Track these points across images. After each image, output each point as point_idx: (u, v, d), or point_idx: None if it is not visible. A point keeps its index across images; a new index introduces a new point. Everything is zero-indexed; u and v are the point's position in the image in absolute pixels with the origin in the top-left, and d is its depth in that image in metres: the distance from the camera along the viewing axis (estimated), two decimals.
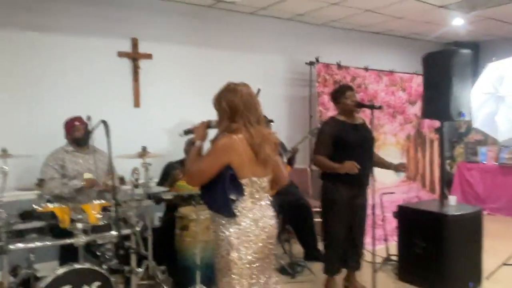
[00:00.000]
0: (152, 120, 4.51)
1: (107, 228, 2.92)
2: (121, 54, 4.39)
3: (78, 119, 3.61)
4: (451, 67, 3.42)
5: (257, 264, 2.11)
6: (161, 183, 3.78)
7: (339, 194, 3.33)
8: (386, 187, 5.12)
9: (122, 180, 2.96)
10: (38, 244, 2.70)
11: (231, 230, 2.06)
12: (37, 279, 3.05)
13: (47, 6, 3.99)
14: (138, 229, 3.01)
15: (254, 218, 2.08)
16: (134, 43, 4.45)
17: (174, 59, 4.69)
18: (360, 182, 3.36)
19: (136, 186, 3.02)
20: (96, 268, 2.82)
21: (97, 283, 2.78)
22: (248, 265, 2.07)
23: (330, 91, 3.70)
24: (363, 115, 3.69)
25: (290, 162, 4.25)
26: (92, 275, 2.79)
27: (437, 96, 3.48)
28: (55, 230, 2.87)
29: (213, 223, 2.18)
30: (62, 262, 3.31)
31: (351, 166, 3.13)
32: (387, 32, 6.20)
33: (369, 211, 3.44)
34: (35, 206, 2.76)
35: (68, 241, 2.74)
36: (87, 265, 2.79)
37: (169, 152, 4.12)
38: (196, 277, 3.24)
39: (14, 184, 2.89)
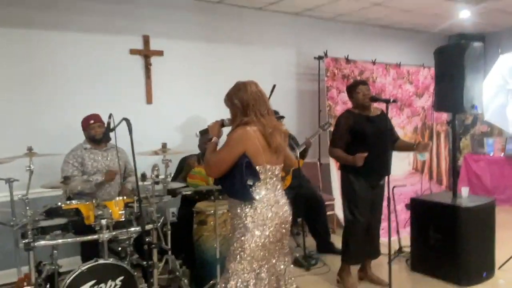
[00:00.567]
0: (164, 117, 4.55)
1: (129, 223, 2.98)
2: (133, 52, 4.42)
3: (94, 117, 3.65)
4: (464, 60, 3.45)
5: (269, 247, 2.25)
6: (175, 176, 3.83)
7: (359, 185, 3.40)
8: (395, 179, 5.18)
9: (143, 177, 3.00)
10: (63, 240, 2.76)
11: (247, 214, 2.21)
12: (61, 274, 3.12)
13: (61, 5, 4.02)
14: (159, 224, 3.06)
15: (269, 203, 2.23)
16: (146, 40, 4.48)
17: (185, 55, 4.72)
18: (378, 172, 3.41)
19: (156, 182, 3.06)
20: (120, 263, 2.88)
21: (121, 278, 2.85)
22: (261, 247, 2.21)
23: (346, 85, 3.74)
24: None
25: (303, 155, 4.29)
26: (116, 270, 2.85)
27: (450, 89, 3.52)
28: (78, 226, 2.93)
29: (230, 209, 2.33)
30: (84, 258, 3.38)
31: (357, 159, 3.23)
32: (394, 25, 6.22)
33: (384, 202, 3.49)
34: (59, 203, 2.81)
35: (92, 237, 2.80)
36: (111, 261, 2.85)
37: (183, 148, 4.16)
38: (215, 270, 3.30)
39: (36, 182, 2.92)
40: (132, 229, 2.89)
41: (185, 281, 3.35)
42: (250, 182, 2.18)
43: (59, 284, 2.99)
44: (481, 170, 6.39)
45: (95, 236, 2.79)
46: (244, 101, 2.25)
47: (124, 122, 2.64)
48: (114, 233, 2.84)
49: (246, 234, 2.20)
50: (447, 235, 3.51)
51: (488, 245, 3.59)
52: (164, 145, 3.18)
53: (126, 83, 4.38)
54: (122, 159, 3.63)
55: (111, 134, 2.80)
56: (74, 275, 2.74)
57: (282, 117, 4.45)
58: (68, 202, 2.82)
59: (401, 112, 5.99)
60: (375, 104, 3.56)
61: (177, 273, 3.37)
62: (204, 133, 2.55)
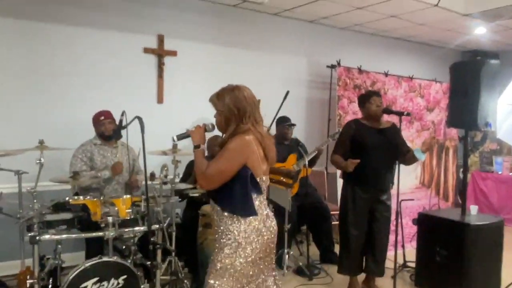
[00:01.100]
0: (174, 117, 4.54)
1: (135, 222, 2.97)
2: (147, 50, 4.43)
3: (104, 113, 3.65)
4: (480, 77, 3.42)
5: (259, 263, 2.11)
6: (184, 180, 3.81)
7: (357, 196, 3.41)
8: (401, 193, 5.14)
9: (152, 176, 3.00)
10: (69, 236, 2.75)
11: (241, 229, 2.05)
12: (63, 269, 3.11)
13: (78, 1, 4.03)
14: (165, 224, 3.04)
15: (262, 217, 2.09)
16: (160, 39, 4.49)
17: (198, 56, 4.72)
18: (378, 185, 3.41)
19: (165, 182, 3.05)
20: (124, 262, 2.86)
21: (124, 277, 2.83)
22: (251, 263, 2.07)
23: (359, 95, 3.73)
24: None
25: (311, 163, 4.28)
26: (119, 268, 2.84)
27: (464, 105, 3.49)
28: (83, 222, 2.92)
29: (219, 223, 2.12)
30: (88, 254, 3.36)
31: (348, 165, 3.27)
32: (408, 38, 6.21)
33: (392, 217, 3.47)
34: (67, 198, 2.80)
35: (98, 234, 2.79)
36: (115, 259, 2.84)
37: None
38: None
39: (44, 175, 2.91)
40: (138, 228, 2.87)
41: (187, 283, 3.33)
42: (254, 196, 2.05)
43: (61, 279, 2.99)
44: (488, 188, 6.34)
45: (101, 233, 2.78)
46: (241, 107, 2.07)
47: (135, 120, 2.66)
48: (120, 231, 2.82)
49: (238, 250, 2.04)
50: (454, 252, 3.47)
51: (495, 265, 3.54)
52: (175, 146, 3.18)
53: (138, 81, 4.39)
54: (131, 157, 3.62)
55: (123, 132, 2.81)
56: (77, 271, 2.73)
57: (294, 125, 4.45)
58: (75, 197, 2.81)
59: (411, 125, 5.96)
60: (386, 117, 3.55)
61: (180, 275, 3.35)
62: (182, 138, 2.29)
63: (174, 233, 3.32)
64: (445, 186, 6.49)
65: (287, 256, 4.02)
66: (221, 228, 2.10)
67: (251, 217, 2.05)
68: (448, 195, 6.49)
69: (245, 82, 5.20)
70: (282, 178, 4.09)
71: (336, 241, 4.65)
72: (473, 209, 3.72)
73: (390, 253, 3.69)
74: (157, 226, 3.00)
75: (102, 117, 3.62)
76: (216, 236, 2.14)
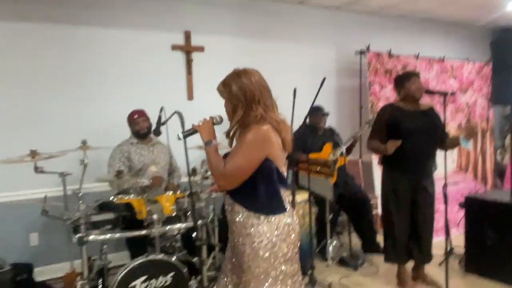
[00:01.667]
0: (205, 113, 4.43)
1: (178, 219, 2.95)
2: (174, 47, 4.41)
3: (138, 112, 3.65)
4: None
5: (296, 258, 1.98)
6: None
7: (398, 183, 3.28)
8: (439, 178, 5.00)
9: (194, 172, 2.96)
10: (117, 235, 2.74)
11: (272, 228, 1.88)
12: (109, 269, 3.11)
13: (104, 1, 4.04)
14: (208, 220, 3.02)
15: (290, 211, 1.96)
16: (187, 35, 4.46)
17: (225, 50, 4.67)
18: (419, 170, 3.29)
19: (206, 177, 3.02)
20: (170, 259, 2.85)
21: (171, 274, 2.82)
22: (290, 262, 1.93)
23: (394, 78, 3.60)
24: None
25: (348, 152, 4.19)
26: (166, 266, 2.83)
27: (508, 80, 3.35)
28: (126, 221, 2.91)
29: (242, 225, 1.92)
30: (132, 254, 3.36)
31: (388, 146, 3.14)
32: (437, 18, 6.02)
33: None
34: (111, 198, 2.79)
35: (144, 232, 2.77)
36: (161, 256, 2.82)
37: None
38: None
39: (85, 177, 2.92)
40: (184, 224, 2.85)
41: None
42: (282, 191, 1.91)
43: (108, 279, 2.99)
44: None
45: (147, 231, 2.77)
46: (248, 91, 1.89)
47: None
48: (166, 228, 2.80)
49: (274, 251, 1.88)
50: (505, 235, 3.34)
51: None
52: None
53: (168, 79, 4.38)
54: (167, 154, 3.61)
55: (162, 128, 2.78)
56: (125, 271, 2.73)
57: (327, 114, 4.37)
58: (120, 196, 2.79)
59: (445, 108, 5.79)
60: (425, 99, 3.43)
61: None
62: (189, 135, 2.11)
63: (216, 228, 3.29)
64: (483, 170, 6.30)
65: (330, 246, 3.95)
66: (248, 230, 1.90)
67: (280, 214, 1.91)
68: (487, 179, 6.29)
69: (274, 73, 5.12)
70: (319, 168, 4.03)
71: (377, 231, 4.57)
72: None
73: (435, 240, 3.58)
74: (201, 221, 2.97)
75: (136, 116, 3.62)
76: (240, 239, 1.93)
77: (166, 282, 2.80)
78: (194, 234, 2.87)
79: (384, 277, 3.65)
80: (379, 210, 4.91)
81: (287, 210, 1.93)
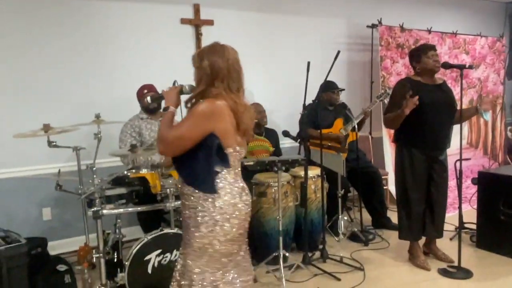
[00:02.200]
0: None
1: None
2: (184, 21, 4.33)
3: (147, 86, 3.60)
4: None
5: (240, 239, 1.95)
6: None
7: (415, 158, 3.25)
8: (449, 153, 4.98)
9: None
10: (131, 209, 2.75)
11: (216, 204, 1.84)
12: (123, 243, 3.14)
13: None
14: None
15: (238, 191, 1.90)
16: (196, 9, 4.38)
17: (235, 25, 4.60)
18: (437, 145, 3.26)
19: None
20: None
21: None
22: (231, 242, 1.89)
23: (412, 49, 3.53)
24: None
25: (359, 127, 4.15)
26: (180, 240, 2.83)
27: None
28: (140, 196, 2.91)
29: (189, 200, 1.91)
30: (144, 228, 3.39)
31: (407, 104, 3.04)
32: None
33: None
34: (126, 172, 2.79)
35: (159, 206, 2.78)
36: (176, 230, 2.83)
37: None
38: (276, 243, 3.26)
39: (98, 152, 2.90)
40: None
41: None
42: (218, 169, 1.85)
43: (124, 252, 3.02)
44: None
45: (161, 205, 2.77)
46: (215, 67, 1.85)
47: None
48: (179, 202, 2.79)
49: (215, 228, 1.85)
50: None
51: None
52: None
53: (177, 53, 4.30)
54: None
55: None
56: (140, 244, 2.75)
57: (342, 90, 4.32)
58: (134, 171, 2.79)
59: (456, 83, 5.72)
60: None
61: None
62: (156, 100, 2.19)
63: None
64: (493, 146, 6.26)
65: (342, 222, 3.96)
66: (194, 204, 1.88)
67: (224, 190, 1.86)
68: (497, 155, 6.26)
69: (283, 47, 5.09)
70: (329, 143, 4.00)
71: (388, 206, 4.58)
72: None
73: (448, 215, 3.58)
74: None
75: (146, 91, 3.58)
76: (186, 212, 1.93)
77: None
78: None
79: (395, 252, 3.67)
80: (389, 186, 4.92)
81: (217, 192, 1.85)
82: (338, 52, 3.33)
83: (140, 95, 3.62)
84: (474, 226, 3.82)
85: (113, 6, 3.98)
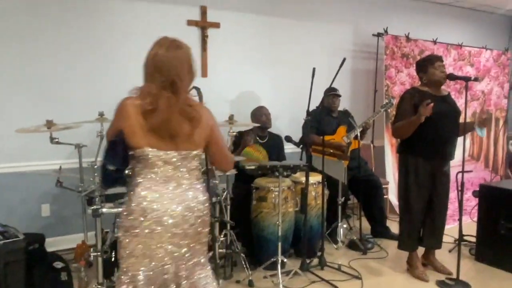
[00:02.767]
0: (219, 90, 4.46)
1: None
2: (190, 23, 4.33)
3: None
4: None
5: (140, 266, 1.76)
6: (233, 151, 3.75)
7: (420, 167, 3.24)
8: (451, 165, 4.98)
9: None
10: None
11: (124, 211, 1.77)
12: None
13: None
14: (222, 198, 3.01)
15: (146, 198, 1.74)
16: (203, 11, 4.38)
17: (241, 27, 4.60)
18: (442, 155, 3.25)
19: None
20: None
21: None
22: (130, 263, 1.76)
23: (419, 59, 3.53)
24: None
25: (361, 136, 4.15)
26: None
27: None
28: None
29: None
30: None
31: (425, 110, 3.01)
32: (457, 4, 5.90)
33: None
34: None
35: None
36: None
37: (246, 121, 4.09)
38: (275, 248, 3.25)
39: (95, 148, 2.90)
40: None
41: (244, 257, 3.30)
42: (110, 167, 1.74)
43: (121, 251, 3.00)
44: None
45: None
46: (145, 63, 1.79)
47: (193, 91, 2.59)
48: None
49: (119, 236, 1.79)
50: None
51: None
52: (231, 117, 3.11)
53: None
54: None
55: None
56: None
57: (339, 96, 4.31)
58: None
59: (460, 95, 5.72)
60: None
61: (236, 249, 3.33)
62: None
63: (229, 207, 3.29)
64: (494, 159, 6.26)
65: (341, 229, 3.95)
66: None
67: (131, 197, 1.77)
68: (498, 168, 6.26)
69: (289, 52, 5.09)
70: (332, 150, 4.00)
71: (387, 216, 4.57)
72: None
73: (447, 227, 3.57)
74: (215, 199, 2.97)
75: None
76: None
77: None
78: None
79: (393, 262, 3.66)
80: (389, 195, 4.92)
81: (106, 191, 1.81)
82: (344, 59, 3.33)
83: None
84: (473, 239, 3.80)
85: (120, 5, 3.99)
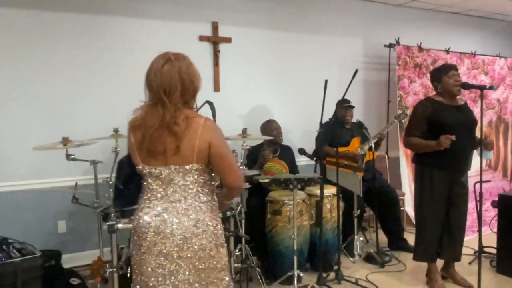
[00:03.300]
0: (232, 104, 4.49)
1: None
2: (202, 38, 4.39)
3: None
4: None
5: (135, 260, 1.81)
6: (249, 166, 3.75)
7: (436, 179, 3.19)
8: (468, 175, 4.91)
9: None
10: None
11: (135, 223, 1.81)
12: None
13: None
14: (237, 212, 3.00)
15: (143, 219, 1.76)
16: (215, 26, 4.43)
17: (252, 42, 4.64)
18: (459, 167, 3.21)
19: None
20: None
21: None
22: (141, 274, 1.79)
23: (433, 69, 3.51)
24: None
25: (375, 147, 4.12)
26: None
27: None
28: None
29: None
30: None
31: (445, 140, 3.00)
32: (468, 12, 5.87)
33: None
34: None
35: None
36: None
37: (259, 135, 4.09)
38: (290, 262, 3.22)
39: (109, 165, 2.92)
40: None
41: (259, 271, 3.28)
42: (119, 185, 1.90)
43: None
44: None
45: None
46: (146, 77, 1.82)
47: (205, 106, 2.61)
48: None
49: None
50: None
51: None
52: (244, 131, 3.12)
53: None
54: None
55: None
56: None
57: (352, 107, 4.30)
58: None
59: (475, 104, 5.66)
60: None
61: (252, 263, 3.31)
62: None
63: (243, 221, 3.28)
64: None
65: (357, 242, 3.90)
66: None
67: (137, 213, 1.80)
68: None
69: (299, 65, 5.10)
70: (346, 162, 3.97)
71: (404, 228, 4.50)
72: None
73: (466, 238, 3.50)
74: (229, 213, 2.96)
75: None
76: None
77: None
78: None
79: (412, 275, 3.59)
80: (406, 207, 4.85)
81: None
82: (356, 70, 3.34)
83: None
84: (494, 251, 3.72)
85: (132, 22, 4.05)
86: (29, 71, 3.66)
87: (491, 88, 3.01)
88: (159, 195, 1.77)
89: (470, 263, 3.75)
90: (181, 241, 1.72)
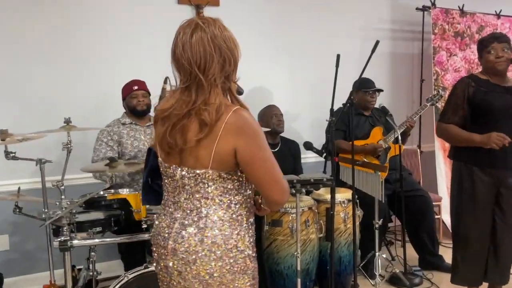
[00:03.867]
0: None
1: None
2: (181, 1, 4.40)
3: (138, 82, 3.67)
4: None
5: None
6: None
7: (478, 181, 3.21)
8: None
9: None
10: (109, 240, 2.78)
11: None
12: (98, 282, 3.18)
13: None
14: None
15: (158, 222, 1.86)
16: None
17: (246, 6, 4.66)
18: (507, 163, 3.22)
19: None
20: None
21: None
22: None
23: (479, 39, 3.51)
24: None
25: (404, 139, 4.14)
26: None
27: None
28: (121, 222, 2.95)
29: None
30: (126, 262, 3.43)
31: (498, 139, 3.00)
32: None
33: None
34: (102, 193, 2.83)
35: (145, 236, 2.80)
36: None
37: None
38: (294, 285, 3.26)
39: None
40: None
41: None
42: (146, 179, 1.99)
43: None
44: None
45: (148, 235, 2.80)
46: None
47: None
48: None
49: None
50: None
51: None
52: None
53: (170, 41, 4.35)
54: None
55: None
56: (119, 284, 2.76)
57: (380, 90, 4.32)
58: (113, 191, 2.83)
59: None
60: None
61: None
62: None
63: None
64: None
65: (379, 260, 3.93)
66: None
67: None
68: None
69: (308, 35, 5.10)
70: (365, 159, 4.00)
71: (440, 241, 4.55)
72: None
73: None
74: None
75: (136, 87, 3.63)
76: None
77: None
78: None
79: None
80: (443, 215, 4.89)
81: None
82: (377, 42, 3.34)
83: (127, 92, 3.67)
84: None
85: None
86: None
87: None
88: (172, 200, 1.80)
89: None
90: (183, 261, 1.72)
